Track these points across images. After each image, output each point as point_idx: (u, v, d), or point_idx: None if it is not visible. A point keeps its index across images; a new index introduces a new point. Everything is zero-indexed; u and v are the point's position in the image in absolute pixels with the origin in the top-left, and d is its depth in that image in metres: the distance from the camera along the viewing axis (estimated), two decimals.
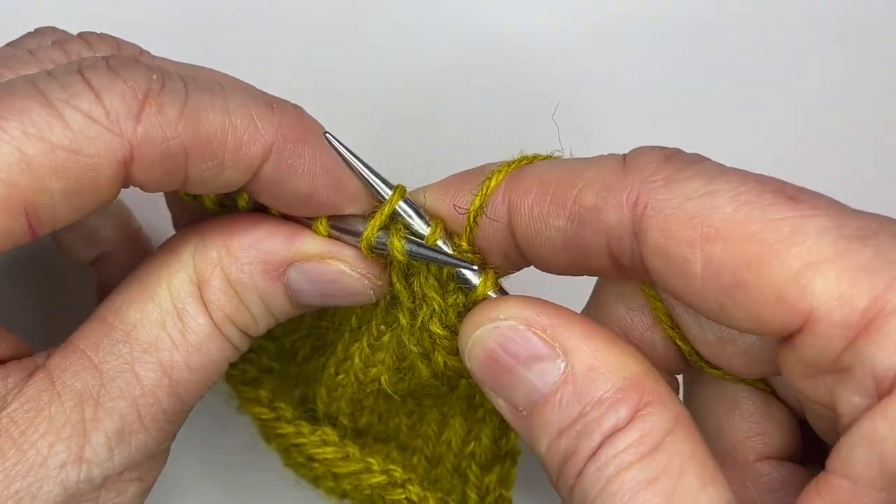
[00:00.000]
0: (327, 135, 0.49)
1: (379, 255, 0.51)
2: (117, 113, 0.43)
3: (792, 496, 0.45)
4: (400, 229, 0.50)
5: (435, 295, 0.51)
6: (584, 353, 0.45)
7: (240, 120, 0.45)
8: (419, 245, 0.50)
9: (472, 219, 0.49)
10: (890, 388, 0.39)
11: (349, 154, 0.50)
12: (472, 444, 0.60)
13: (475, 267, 0.49)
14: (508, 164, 0.49)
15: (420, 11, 0.71)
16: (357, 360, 0.56)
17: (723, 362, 0.50)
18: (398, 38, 0.71)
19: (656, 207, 0.43)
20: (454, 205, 0.49)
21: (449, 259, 0.49)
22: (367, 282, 0.52)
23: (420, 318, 0.52)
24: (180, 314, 0.49)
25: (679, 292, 0.44)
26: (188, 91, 0.45)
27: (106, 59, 0.45)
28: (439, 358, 0.53)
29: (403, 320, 0.52)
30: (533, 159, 0.50)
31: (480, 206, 0.49)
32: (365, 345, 0.55)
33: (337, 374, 0.58)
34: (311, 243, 0.51)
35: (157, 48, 0.54)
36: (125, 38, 0.54)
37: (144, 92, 0.43)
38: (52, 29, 0.53)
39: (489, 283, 0.50)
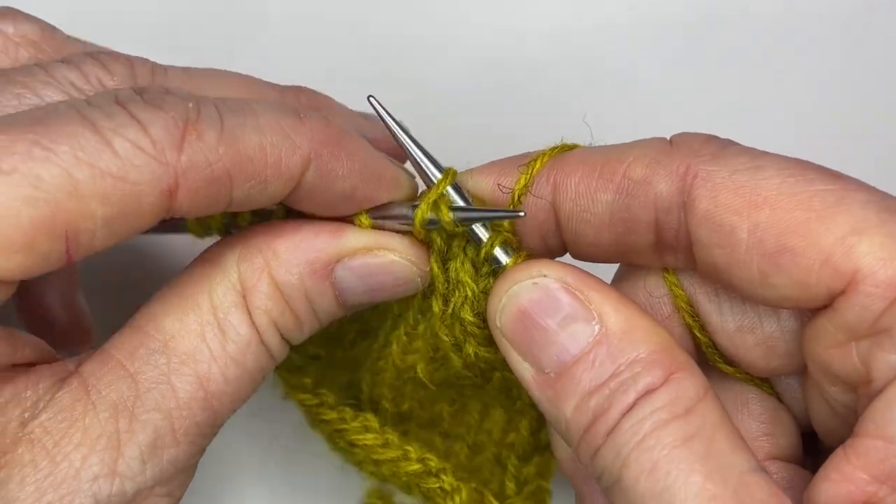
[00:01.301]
0: (371, 99, 0.51)
1: (425, 235, 0.52)
2: (162, 143, 0.44)
3: (797, 497, 0.48)
4: (446, 201, 0.51)
5: (468, 280, 0.52)
6: (618, 317, 0.47)
7: (274, 136, 0.47)
8: (464, 209, 0.51)
9: (516, 197, 0.51)
10: None
11: (395, 124, 0.51)
12: (512, 434, 0.60)
13: (521, 213, 0.50)
14: (551, 149, 0.52)
15: (429, 11, 0.73)
16: (395, 347, 0.56)
17: (739, 355, 0.52)
18: (404, 38, 0.73)
19: (706, 177, 0.46)
20: (498, 184, 0.51)
21: (494, 213, 0.50)
22: (416, 269, 0.52)
23: (452, 305, 0.52)
24: (221, 325, 0.49)
25: (721, 263, 0.47)
26: (222, 115, 0.46)
27: (139, 91, 0.46)
28: (470, 349, 0.53)
29: (436, 307, 0.53)
30: (573, 147, 0.52)
31: (526, 185, 0.51)
32: (402, 333, 0.56)
33: (379, 358, 0.58)
34: (356, 237, 0.51)
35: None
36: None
37: (184, 121, 0.44)
38: (22, 16, 0.53)
39: (521, 261, 0.51)
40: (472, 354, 0.53)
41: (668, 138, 0.49)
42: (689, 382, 0.45)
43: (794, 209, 0.44)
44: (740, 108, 0.73)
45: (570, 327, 0.47)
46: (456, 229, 0.51)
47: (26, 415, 0.45)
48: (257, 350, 0.50)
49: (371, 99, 0.51)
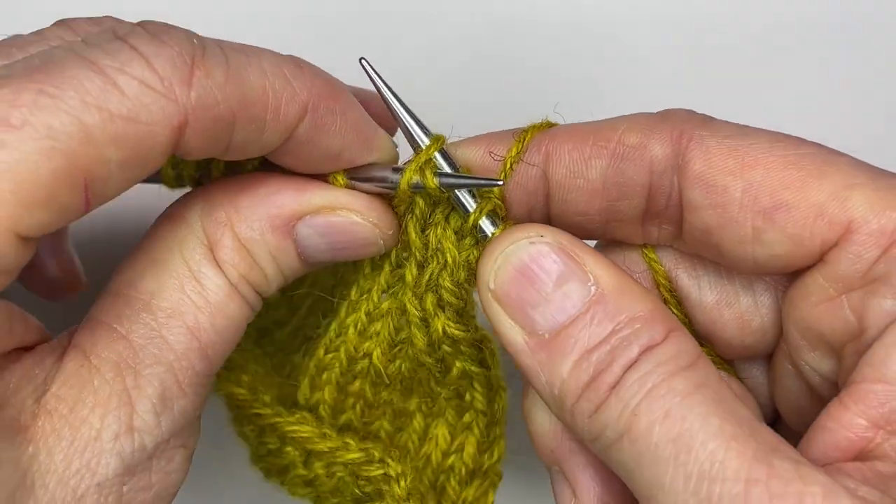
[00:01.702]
0: (363, 61, 0.51)
1: (408, 199, 0.52)
2: (170, 79, 0.43)
3: None
4: (433, 166, 0.51)
5: (451, 246, 0.51)
6: (612, 279, 0.47)
7: (277, 80, 0.46)
8: (449, 175, 0.50)
9: (508, 165, 0.51)
10: None
11: (385, 88, 0.51)
12: (453, 457, 0.58)
13: (500, 182, 0.50)
14: (538, 124, 0.53)
15: None
16: (352, 332, 0.55)
17: (716, 331, 0.53)
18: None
19: (699, 141, 0.48)
20: (490, 152, 0.52)
21: (477, 181, 0.50)
22: (378, 231, 0.52)
23: (429, 273, 0.52)
24: (197, 277, 0.49)
25: (713, 224, 0.48)
26: (226, 55, 0.45)
27: (142, 24, 0.45)
28: (438, 324, 0.52)
29: (409, 276, 0.52)
30: (555, 125, 0.53)
31: (518, 153, 0.51)
32: (363, 314, 0.55)
33: (326, 352, 0.56)
34: (320, 195, 0.51)
35: None
36: None
37: (191, 56, 0.44)
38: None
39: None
40: (441, 330, 0.53)
41: (657, 113, 0.51)
42: (687, 340, 0.46)
43: (786, 168, 0.46)
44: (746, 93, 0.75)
45: (565, 287, 0.47)
46: (440, 194, 0.51)
47: (38, 391, 0.45)
48: (237, 299, 0.50)
49: (363, 61, 0.51)
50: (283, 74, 0.46)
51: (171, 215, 0.51)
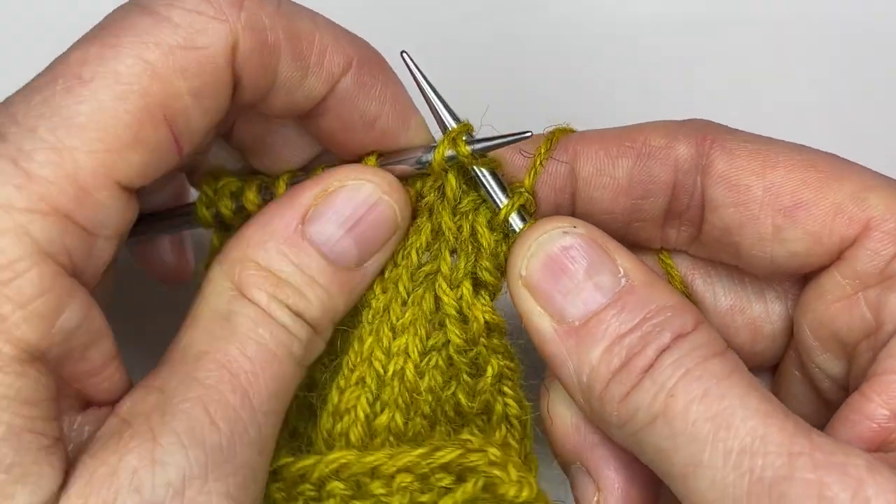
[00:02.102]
0: (404, 54, 0.52)
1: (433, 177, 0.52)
2: (220, 3, 0.45)
3: None
4: (463, 138, 0.51)
5: (485, 231, 0.52)
6: (642, 273, 0.49)
7: (325, 31, 0.49)
8: (480, 140, 0.51)
9: (538, 162, 0.53)
10: None
11: (423, 78, 0.52)
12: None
13: (529, 133, 0.50)
14: (564, 127, 0.54)
15: None
16: (378, 353, 0.53)
17: (729, 336, 0.55)
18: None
19: (722, 143, 0.50)
20: (521, 150, 0.53)
21: (506, 139, 0.51)
22: (374, 186, 0.51)
23: (464, 260, 0.52)
24: (226, 317, 0.48)
25: (734, 222, 0.50)
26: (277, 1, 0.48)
27: None
28: (478, 312, 0.52)
29: (444, 265, 0.52)
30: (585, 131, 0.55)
31: (548, 150, 0.53)
32: (386, 330, 0.53)
33: (342, 392, 0.53)
34: (309, 192, 0.51)
35: None
36: None
37: None
38: None
39: None
40: (482, 318, 0.52)
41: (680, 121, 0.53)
42: (715, 331, 0.48)
43: (806, 169, 0.49)
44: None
45: (596, 277, 0.48)
46: (474, 161, 0.51)
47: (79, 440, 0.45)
48: (268, 322, 0.48)
49: (404, 54, 0.52)
50: (332, 30, 0.49)
51: (200, 288, 0.51)
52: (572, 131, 0.54)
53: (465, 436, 0.51)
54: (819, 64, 0.77)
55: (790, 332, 0.54)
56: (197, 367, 0.46)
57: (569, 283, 0.48)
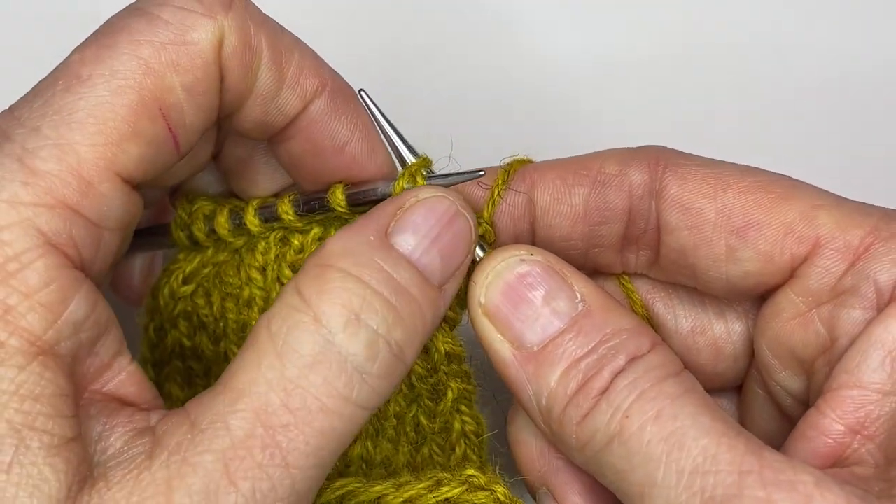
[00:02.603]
0: (362, 93, 0.53)
1: None
2: (211, 3, 0.47)
3: None
4: (421, 173, 0.52)
5: None
6: (598, 298, 0.50)
7: (305, 52, 0.51)
8: (437, 176, 0.52)
9: (495, 193, 0.54)
10: (889, 300, 0.47)
11: (381, 115, 0.53)
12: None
13: (482, 172, 0.51)
14: (521, 158, 0.56)
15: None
16: None
17: (691, 357, 0.56)
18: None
19: (674, 167, 0.51)
20: (479, 182, 0.54)
21: (464, 176, 0.51)
22: (472, 223, 0.51)
23: None
24: (281, 348, 0.44)
25: (688, 244, 0.51)
26: (266, 16, 0.50)
27: None
28: (440, 343, 0.53)
29: None
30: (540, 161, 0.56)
31: (504, 182, 0.54)
32: None
33: None
34: (391, 205, 0.50)
35: None
36: None
37: None
38: None
39: None
40: (443, 350, 0.53)
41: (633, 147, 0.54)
42: (671, 352, 0.49)
43: (756, 191, 0.50)
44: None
45: (554, 303, 0.49)
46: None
47: (102, 457, 0.43)
48: (326, 366, 0.43)
49: (362, 92, 0.53)
50: (311, 53, 0.51)
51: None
52: (530, 162, 0.55)
53: (470, 471, 0.52)
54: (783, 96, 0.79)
55: (751, 352, 0.55)
56: (232, 409, 0.43)
57: (527, 310, 0.49)
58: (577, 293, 0.50)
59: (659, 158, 0.52)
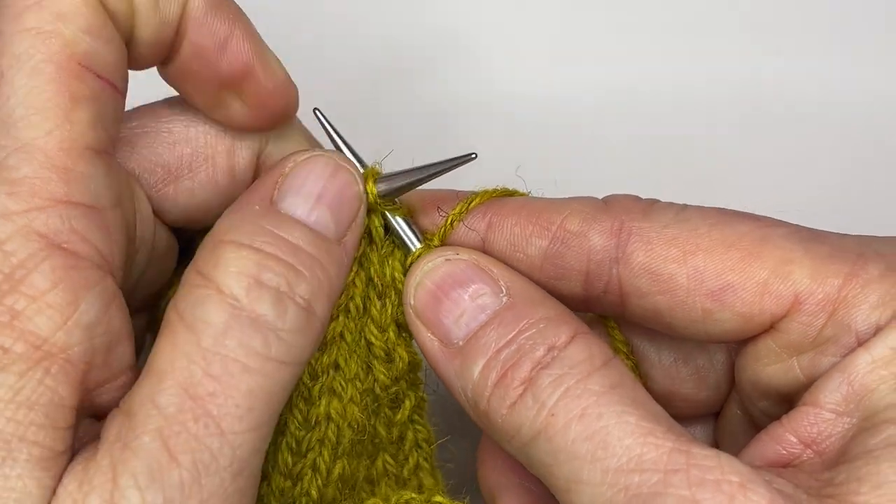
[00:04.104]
0: (316, 111, 0.54)
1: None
2: None
3: None
4: (373, 177, 0.53)
5: (401, 277, 0.53)
6: (524, 290, 0.49)
7: None
8: (388, 177, 0.52)
9: (449, 222, 0.53)
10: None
11: (334, 131, 0.53)
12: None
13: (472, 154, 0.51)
14: (492, 190, 0.54)
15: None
16: (336, 405, 0.53)
17: (675, 387, 0.54)
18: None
19: (639, 233, 0.49)
20: (438, 207, 0.53)
21: (415, 174, 0.52)
22: (355, 174, 0.51)
23: (390, 305, 0.53)
24: (191, 323, 0.44)
25: (663, 307, 0.49)
26: None
27: None
28: (403, 352, 0.54)
29: (375, 310, 0.54)
30: (513, 193, 0.55)
31: (461, 213, 0.53)
32: (339, 384, 0.54)
33: (296, 455, 0.54)
34: (269, 177, 0.50)
35: None
36: None
37: None
38: None
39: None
40: (406, 359, 0.54)
41: (601, 199, 0.52)
42: (597, 342, 0.47)
43: (726, 250, 0.47)
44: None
45: (479, 298, 0.49)
46: (377, 203, 0.52)
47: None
48: (238, 330, 0.44)
49: (316, 111, 0.54)
50: None
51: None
52: (507, 193, 0.54)
53: (438, 497, 0.52)
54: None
55: (732, 378, 0.53)
56: (159, 389, 0.42)
57: (452, 307, 0.49)
58: (502, 287, 0.49)
59: (623, 221, 0.50)
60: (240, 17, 0.50)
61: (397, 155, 0.55)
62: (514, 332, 0.47)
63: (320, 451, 0.54)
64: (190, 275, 0.46)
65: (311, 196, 0.49)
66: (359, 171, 0.52)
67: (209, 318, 0.44)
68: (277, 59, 0.52)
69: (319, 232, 0.48)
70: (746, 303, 0.47)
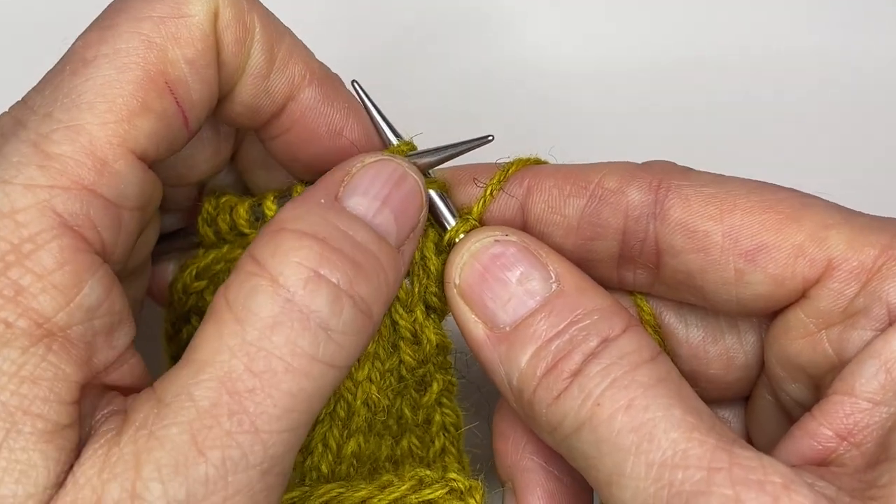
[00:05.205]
0: (355, 83, 0.53)
1: None
2: None
3: None
4: (406, 151, 0.53)
5: (432, 256, 0.53)
6: (573, 278, 0.48)
7: (294, 39, 0.50)
8: (420, 153, 0.52)
9: (489, 192, 0.53)
10: None
11: (373, 106, 0.53)
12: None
13: (491, 137, 0.51)
14: (525, 159, 0.54)
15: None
16: (348, 384, 0.53)
17: (702, 368, 0.53)
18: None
19: (678, 189, 0.49)
20: (474, 178, 0.53)
21: (459, 148, 0.52)
22: (420, 183, 0.51)
23: (417, 284, 0.53)
24: (241, 314, 0.43)
25: (695, 267, 0.49)
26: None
27: None
28: (431, 333, 0.53)
29: (401, 291, 0.53)
30: (543, 162, 0.55)
31: (500, 182, 0.53)
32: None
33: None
34: (336, 174, 0.50)
35: None
36: None
37: None
38: None
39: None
40: (434, 341, 0.53)
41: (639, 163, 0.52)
42: (647, 336, 0.47)
43: (764, 212, 0.47)
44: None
45: (528, 283, 0.48)
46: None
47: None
48: (288, 327, 0.42)
49: (354, 83, 0.53)
50: (300, 42, 0.50)
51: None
52: (536, 163, 0.54)
53: (452, 474, 0.52)
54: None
55: (762, 362, 0.52)
56: (196, 381, 0.41)
57: (500, 290, 0.48)
58: (551, 273, 0.48)
59: (662, 179, 0.50)
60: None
61: (424, 128, 0.55)
62: (566, 322, 0.46)
63: (330, 427, 0.54)
64: (244, 261, 0.44)
65: (378, 199, 0.48)
66: (423, 181, 0.51)
67: (259, 311, 0.42)
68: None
69: (382, 236, 0.47)
70: (780, 265, 0.46)
